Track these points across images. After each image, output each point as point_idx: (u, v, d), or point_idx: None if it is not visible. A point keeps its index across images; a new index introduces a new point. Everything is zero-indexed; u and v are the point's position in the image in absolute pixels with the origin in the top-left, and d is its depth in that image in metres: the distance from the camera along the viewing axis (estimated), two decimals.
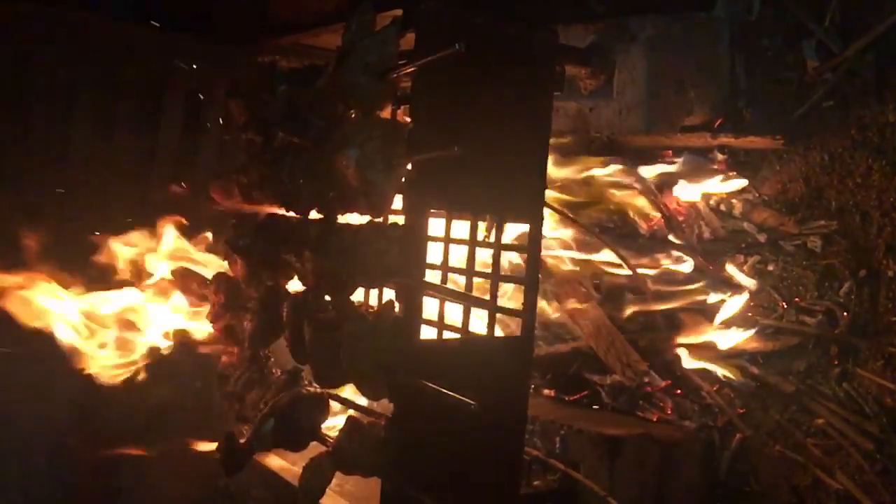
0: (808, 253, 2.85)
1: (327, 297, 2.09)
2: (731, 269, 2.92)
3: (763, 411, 2.86)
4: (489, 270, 2.13)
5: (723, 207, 3.04)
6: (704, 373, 2.93)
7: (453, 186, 1.99)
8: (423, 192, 1.94)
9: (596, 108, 2.98)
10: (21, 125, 2.86)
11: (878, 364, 2.67)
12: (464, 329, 2.12)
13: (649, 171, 3.04)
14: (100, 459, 3.01)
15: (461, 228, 2.25)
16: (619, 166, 2.98)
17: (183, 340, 2.47)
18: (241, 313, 2.35)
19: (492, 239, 2.15)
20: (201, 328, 2.49)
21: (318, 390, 2.18)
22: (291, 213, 2.22)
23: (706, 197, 3.06)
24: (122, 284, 2.50)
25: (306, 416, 2.14)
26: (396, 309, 1.96)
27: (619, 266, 3.01)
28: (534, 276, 2.15)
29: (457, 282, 2.27)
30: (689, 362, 2.92)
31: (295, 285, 2.26)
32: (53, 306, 2.35)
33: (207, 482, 2.91)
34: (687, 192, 2.99)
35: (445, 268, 2.28)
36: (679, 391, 3.02)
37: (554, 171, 3.01)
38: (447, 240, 2.24)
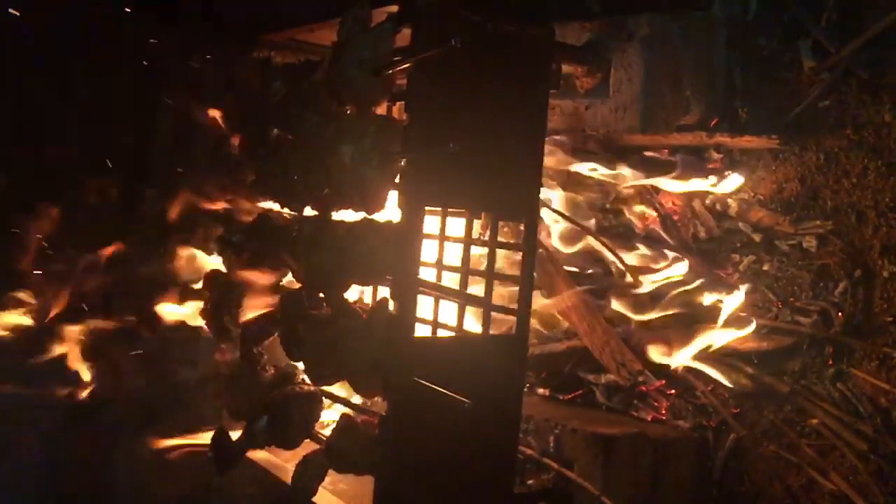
0: (804, 253, 2.85)
1: (321, 295, 2.09)
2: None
3: (757, 411, 2.86)
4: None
5: (718, 207, 3.04)
6: (699, 372, 2.92)
7: (448, 184, 1.98)
8: (418, 189, 1.94)
9: (592, 106, 2.97)
10: (14, 119, 2.85)
11: (873, 364, 2.67)
12: (458, 327, 2.11)
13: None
14: (92, 458, 3.00)
15: (456, 226, 2.24)
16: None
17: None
18: (235, 310, 2.34)
19: (487, 237, 2.14)
20: None
21: (312, 388, 2.17)
22: (286, 210, 2.21)
23: (701, 196, 3.05)
24: None
25: (299, 414, 2.13)
26: (391, 306, 1.95)
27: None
28: (529, 274, 2.15)
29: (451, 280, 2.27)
30: (683, 362, 2.92)
31: (289, 282, 2.26)
32: None
33: (200, 480, 2.90)
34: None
35: (440, 265, 2.28)
36: (673, 391, 3.02)
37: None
38: (442, 237, 2.23)
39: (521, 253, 2.15)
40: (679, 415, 2.98)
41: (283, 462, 2.54)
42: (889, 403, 2.61)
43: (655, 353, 2.88)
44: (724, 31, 3.01)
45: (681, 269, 2.91)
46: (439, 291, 2.13)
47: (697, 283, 2.86)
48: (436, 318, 2.21)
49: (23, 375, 2.84)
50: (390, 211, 2.00)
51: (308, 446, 2.12)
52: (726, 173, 2.97)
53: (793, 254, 2.88)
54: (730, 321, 2.84)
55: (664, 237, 3.05)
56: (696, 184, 2.96)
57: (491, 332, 2.11)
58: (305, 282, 2.12)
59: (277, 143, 2.17)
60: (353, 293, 2.25)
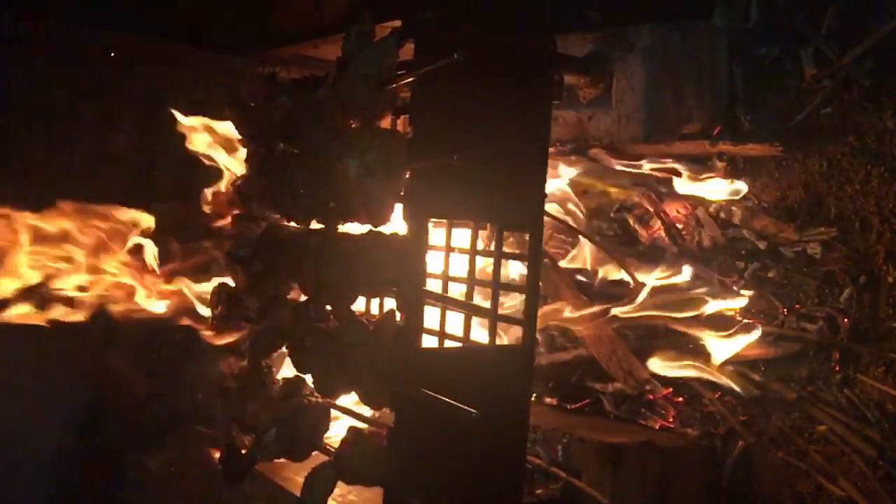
0: (808, 259, 2.85)
1: (328, 307, 2.10)
2: None
3: (765, 418, 2.86)
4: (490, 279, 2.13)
5: (722, 215, 3.05)
6: (706, 380, 2.92)
7: (453, 196, 2.00)
8: (424, 201, 1.95)
9: (595, 116, 2.98)
10: (22, 136, 2.88)
11: (880, 370, 2.67)
12: (465, 338, 2.12)
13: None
14: (103, 471, 3.01)
15: (462, 237, 2.26)
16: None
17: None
18: (243, 323, 2.36)
19: (492, 247, 2.15)
20: None
21: (320, 400, 2.18)
22: (292, 223, 2.23)
23: (705, 204, 3.06)
24: None
25: (308, 426, 2.14)
26: (398, 318, 1.96)
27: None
28: (535, 284, 2.16)
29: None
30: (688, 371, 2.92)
31: (296, 295, 2.27)
32: None
33: (209, 493, 2.91)
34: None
35: (446, 277, 2.29)
36: (681, 399, 3.02)
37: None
38: (448, 249, 2.25)
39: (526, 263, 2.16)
40: (687, 423, 2.98)
41: (292, 474, 2.55)
42: None
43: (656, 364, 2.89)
44: (725, 39, 3.02)
45: (685, 276, 2.92)
46: (445, 302, 2.14)
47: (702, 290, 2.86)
48: (442, 328, 2.22)
49: (32, 391, 2.86)
50: (396, 223, 2.02)
51: (317, 458, 2.12)
52: (730, 181, 2.98)
53: (798, 261, 2.88)
54: (735, 328, 2.85)
55: (669, 245, 3.06)
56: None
57: (498, 342, 2.12)
58: (312, 295, 2.13)
59: (283, 157, 2.19)
60: (360, 305, 2.26)
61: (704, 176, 2.97)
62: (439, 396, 1.81)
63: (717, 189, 2.98)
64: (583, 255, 3.06)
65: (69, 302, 2.47)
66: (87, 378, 3.02)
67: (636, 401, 3.05)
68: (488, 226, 2.29)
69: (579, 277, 3.15)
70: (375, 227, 2.00)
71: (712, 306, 2.86)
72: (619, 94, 2.90)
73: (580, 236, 3.02)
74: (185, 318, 2.65)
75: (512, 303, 2.65)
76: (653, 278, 2.90)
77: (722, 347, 2.82)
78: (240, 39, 3.04)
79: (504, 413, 2.09)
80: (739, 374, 2.88)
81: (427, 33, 1.94)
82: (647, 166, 3.00)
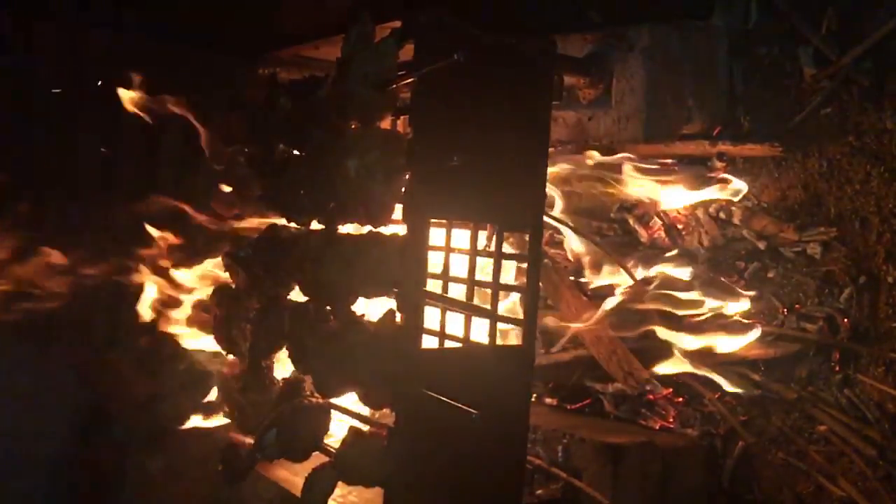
0: (808, 259, 2.86)
1: (328, 308, 2.10)
2: None
3: (765, 418, 2.86)
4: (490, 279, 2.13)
5: (722, 215, 3.05)
6: (706, 380, 2.93)
7: (453, 196, 2.00)
8: (424, 201, 1.95)
9: (595, 117, 2.99)
10: (23, 138, 2.88)
11: (880, 370, 2.68)
12: (465, 338, 2.12)
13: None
14: (103, 471, 3.01)
15: (462, 238, 2.26)
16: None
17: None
18: (243, 324, 2.36)
19: (492, 248, 2.15)
20: None
21: (320, 400, 2.18)
22: (292, 224, 2.23)
23: (705, 204, 3.07)
24: None
25: (308, 427, 2.14)
26: (398, 319, 1.96)
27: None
28: (534, 284, 2.16)
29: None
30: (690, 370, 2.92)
31: (296, 296, 2.27)
32: None
33: (209, 494, 2.90)
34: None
35: (446, 277, 2.29)
36: (681, 399, 3.02)
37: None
38: (448, 249, 2.25)
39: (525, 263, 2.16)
40: (687, 423, 2.98)
41: (292, 475, 2.55)
42: None
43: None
44: (725, 40, 3.02)
45: (684, 276, 2.92)
46: (446, 303, 2.15)
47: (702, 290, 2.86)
48: (443, 329, 2.22)
49: (33, 391, 2.86)
50: (396, 224, 2.02)
51: (317, 458, 2.13)
52: (729, 181, 2.98)
53: (797, 261, 2.89)
54: (734, 328, 2.85)
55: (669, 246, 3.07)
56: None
57: (498, 342, 2.12)
58: (313, 295, 2.13)
59: (283, 158, 2.19)
60: (359, 305, 2.26)
61: (650, 177, 2.95)
62: (439, 397, 1.82)
63: (662, 193, 2.98)
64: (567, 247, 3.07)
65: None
66: (87, 378, 3.02)
67: (636, 401, 3.05)
68: (488, 226, 2.29)
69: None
70: (375, 227, 2.00)
71: (711, 306, 2.86)
72: (619, 94, 2.90)
73: (564, 229, 3.03)
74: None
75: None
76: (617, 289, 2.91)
77: (689, 339, 2.82)
78: (240, 40, 3.04)
79: (504, 413, 2.09)
80: (739, 374, 2.88)
81: (427, 34, 1.94)
82: (595, 162, 2.99)
